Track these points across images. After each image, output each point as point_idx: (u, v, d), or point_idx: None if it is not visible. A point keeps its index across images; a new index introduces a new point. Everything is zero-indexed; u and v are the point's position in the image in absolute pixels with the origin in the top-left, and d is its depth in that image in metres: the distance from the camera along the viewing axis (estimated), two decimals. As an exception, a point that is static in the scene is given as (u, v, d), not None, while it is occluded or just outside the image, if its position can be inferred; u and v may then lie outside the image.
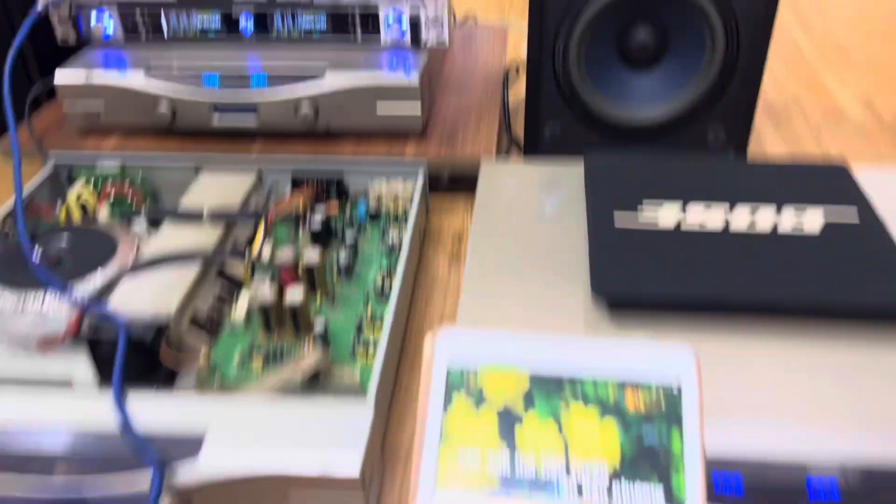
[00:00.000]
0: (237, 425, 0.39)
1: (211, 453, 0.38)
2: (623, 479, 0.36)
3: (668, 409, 0.37)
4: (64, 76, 0.66)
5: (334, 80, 0.65)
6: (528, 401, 0.38)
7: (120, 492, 0.36)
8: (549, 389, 0.38)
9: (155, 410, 0.40)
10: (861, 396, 0.40)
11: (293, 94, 0.65)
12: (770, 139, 0.82)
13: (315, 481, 0.37)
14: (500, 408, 0.38)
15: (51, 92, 0.76)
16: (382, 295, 0.54)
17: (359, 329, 0.51)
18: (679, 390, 0.37)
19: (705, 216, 0.51)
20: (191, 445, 0.38)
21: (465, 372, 0.39)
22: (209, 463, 0.37)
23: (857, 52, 1.05)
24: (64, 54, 0.72)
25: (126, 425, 0.38)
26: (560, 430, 0.37)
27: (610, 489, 0.36)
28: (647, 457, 0.36)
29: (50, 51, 0.75)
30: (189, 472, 0.37)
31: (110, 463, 0.37)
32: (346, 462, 0.37)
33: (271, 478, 0.37)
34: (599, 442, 0.37)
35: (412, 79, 0.65)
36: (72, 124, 0.69)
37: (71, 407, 0.41)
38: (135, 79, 0.66)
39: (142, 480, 0.37)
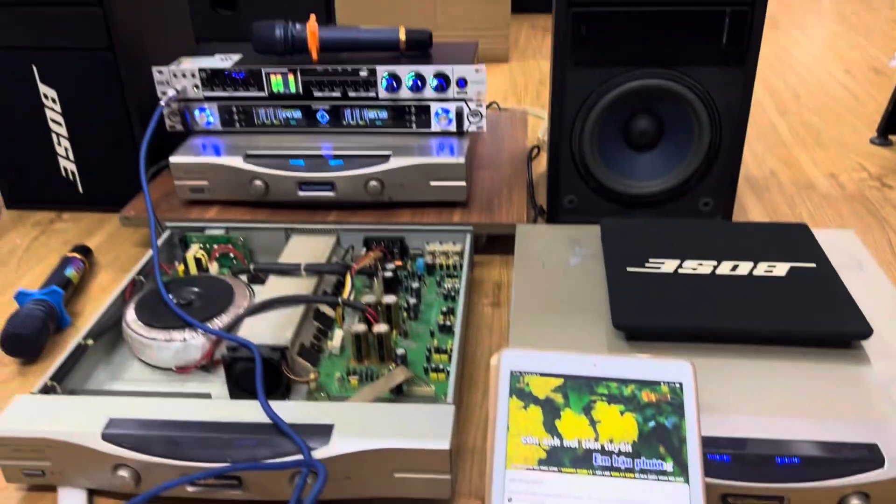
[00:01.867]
0: (355, 421, 0.53)
1: (339, 437, 0.51)
2: (642, 452, 0.49)
3: (675, 402, 0.51)
4: (178, 159, 0.82)
5: (397, 162, 0.80)
6: (565, 399, 0.52)
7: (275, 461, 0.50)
8: (580, 390, 0.52)
9: (287, 412, 0.54)
10: (811, 397, 0.54)
11: (363, 173, 0.80)
12: (752, 206, 0.97)
13: (414, 455, 0.50)
14: (544, 405, 0.52)
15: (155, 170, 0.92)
16: (443, 330, 0.68)
17: (427, 358, 0.65)
18: (681, 388, 0.51)
19: (697, 265, 0.65)
20: (321, 433, 0.51)
21: (520, 379, 0.53)
22: (340, 442, 0.51)
23: (825, 133, 1.22)
24: (163, 140, 0.88)
25: (275, 418, 0.52)
26: (591, 423, 0.51)
27: (633, 460, 0.49)
28: (660, 436, 0.50)
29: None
30: (325, 450, 0.50)
31: (261, 449, 0.51)
32: (439, 440, 0.50)
33: (386, 451, 0.50)
34: (623, 430, 0.50)
35: (458, 160, 0.80)
36: (181, 197, 0.84)
37: (223, 410, 0.54)
38: (235, 161, 0.81)
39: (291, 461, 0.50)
